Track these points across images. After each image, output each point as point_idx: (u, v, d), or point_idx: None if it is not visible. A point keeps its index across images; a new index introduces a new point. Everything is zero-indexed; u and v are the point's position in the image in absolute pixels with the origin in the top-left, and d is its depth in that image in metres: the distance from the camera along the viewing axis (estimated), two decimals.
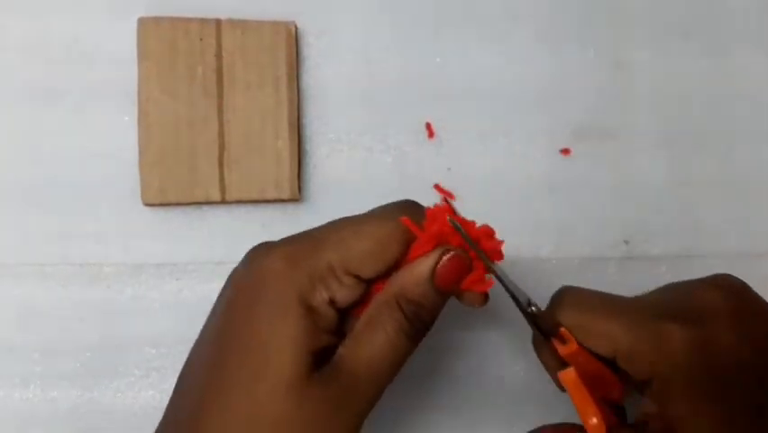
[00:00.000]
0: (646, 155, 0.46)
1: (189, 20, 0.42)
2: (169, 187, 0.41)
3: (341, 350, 0.29)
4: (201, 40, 0.42)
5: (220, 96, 0.42)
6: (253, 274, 0.30)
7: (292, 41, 0.43)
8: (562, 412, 0.44)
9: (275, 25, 0.43)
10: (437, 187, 0.44)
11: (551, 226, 0.45)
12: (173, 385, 0.42)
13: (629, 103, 0.46)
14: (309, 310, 0.29)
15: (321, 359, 0.29)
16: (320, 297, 0.29)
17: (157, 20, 0.42)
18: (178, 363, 0.42)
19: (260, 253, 0.31)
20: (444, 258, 0.30)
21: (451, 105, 0.45)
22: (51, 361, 0.42)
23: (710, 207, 0.46)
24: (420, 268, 0.30)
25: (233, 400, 0.28)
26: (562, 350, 0.33)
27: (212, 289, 0.43)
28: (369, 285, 0.31)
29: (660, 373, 0.31)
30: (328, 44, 0.45)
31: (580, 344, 0.33)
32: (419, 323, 0.30)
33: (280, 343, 0.28)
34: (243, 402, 0.28)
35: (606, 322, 0.32)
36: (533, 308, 0.33)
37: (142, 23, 0.42)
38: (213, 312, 0.32)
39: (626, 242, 0.45)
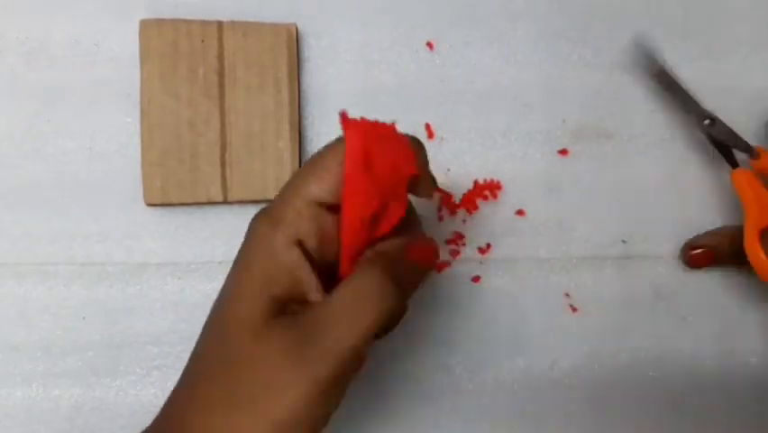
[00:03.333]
0: (644, 155, 0.46)
1: (191, 22, 0.42)
2: (172, 187, 0.42)
3: (313, 298, 0.29)
4: (203, 41, 0.42)
5: (221, 97, 0.42)
6: (244, 241, 0.31)
7: (293, 42, 0.43)
8: (563, 411, 0.44)
9: (276, 27, 0.43)
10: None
11: (549, 226, 0.45)
12: (175, 384, 0.43)
13: (627, 103, 0.46)
14: (271, 254, 0.29)
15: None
16: (283, 239, 0.29)
17: (159, 22, 0.42)
18: (179, 361, 0.43)
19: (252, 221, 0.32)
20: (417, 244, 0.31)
21: (450, 106, 0.45)
22: (54, 359, 0.42)
23: (707, 207, 0.46)
24: (396, 241, 0.31)
25: (208, 346, 0.30)
26: (755, 164, 0.41)
27: (214, 288, 0.43)
28: (334, 218, 0.30)
29: None
30: (328, 46, 0.45)
31: None
32: (388, 276, 0.29)
33: (241, 290, 0.30)
34: (215, 347, 0.30)
35: None
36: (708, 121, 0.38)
37: (144, 24, 0.42)
38: None
39: (624, 241, 0.45)
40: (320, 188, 0.30)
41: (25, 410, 0.42)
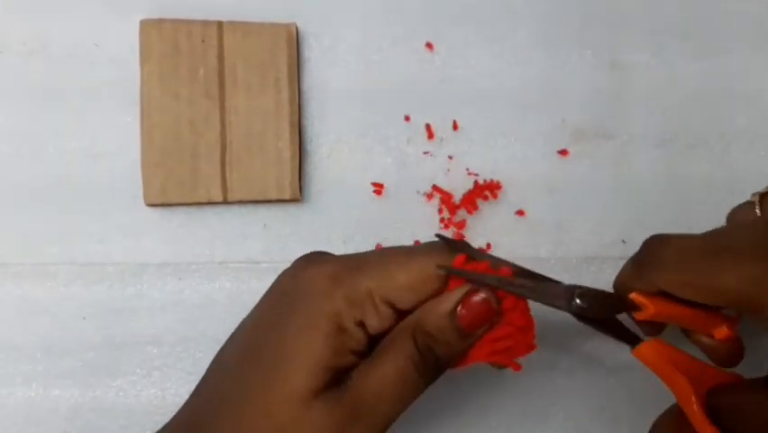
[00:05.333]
0: (644, 156, 0.46)
1: (191, 22, 0.42)
2: (171, 187, 0.42)
3: (353, 373, 0.29)
4: (203, 41, 0.42)
5: (221, 97, 0.42)
6: (297, 284, 0.30)
7: (293, 42, 0.43)
8: (562, 412, 0.44)
9: (276, 27, 0.43)
10: (436, 187, 0.45)
11: (549, 226, 0.45)
12: (175, 384, 0.43)
13: (627, 104, 0.46)
14: (339, 330, 0.29)
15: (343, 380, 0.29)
16: (352, 319, 0.29)
17: (159, 22, 0.42)
18: (179, 362, 0.43)
19: (309, 263, 0.31)
20: (471, 298, 0.29)
21: (450, 106, 0.45)
22: (53, 360, 0.42)
23: (707, 207, 0.46)
24: (443, 302, 0.30)
25: (248, 407, 0.29)
26: (640, 316, 0.32)
27: (214, 288, 0.43)
28: (402, 317, 0.31)
29: None
30: (329, 46, 0.45)
31: (666, 298, 0.31)
32: (431, 358, 0.30)
33: (300, 356, 0.29)
34: (257, 410, 0.29)
35: (717, 274, 0.30)
36: (577, 301, 0.31)
37: (144, 24, 0.42)
38: (251, 313, 0.32)
39: (624, 241, 0.45)
40: (401, 296, 0.30)
41: (25, 411, 0.42)
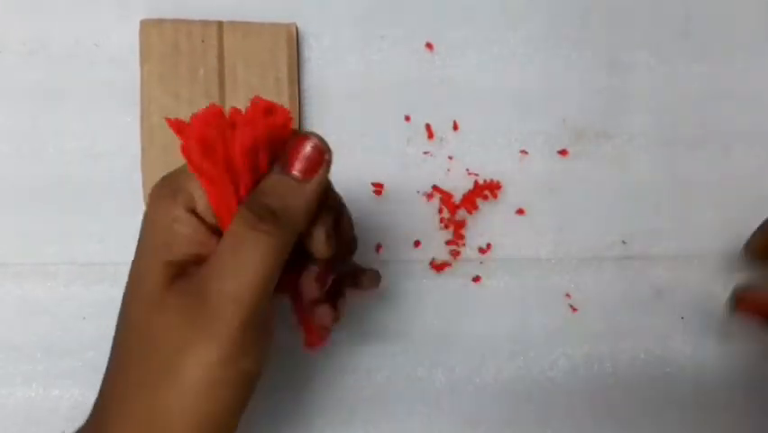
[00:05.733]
0: (644, 156, 0.46)
1: (191, 22, 0.42)
2: None
3: (204, 265, 0.29)
4: (203, 42, 0.42)
5: (222, 97, 0.42)
6: (145, 211, 0.31)
7: (293, 42, 0.43)
8: (563, 411, 0.44)
9: (276, 27, 0.43)
10: (436, 187, 0.45)
11: (550, 227, 0.45)
12: None
13: (627, 104, 0.46)
14: (171, 221, 0.29)
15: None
16: (180, 205, 0.30)
17: (159, 22, 0.42)
18: None
19: (150, 200, 0.31)
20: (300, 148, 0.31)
21: (450, 106, 0.45)
22: (53, 360, 0.42)
23: (707, 207, 0.46)
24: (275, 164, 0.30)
25: (117, 330, 0.30)
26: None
27: None
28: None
29: None
30: (329, 46, 0.45)
31: None
32: (265, 211, 0.29)
33: (140, 262, 0.29)
34: (122, 329, 0.30)
35: None
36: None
37: (145, 24, 0.42)
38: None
39: (624, 242, 0.45)
40: None
41: (25, 411, 0.42)
